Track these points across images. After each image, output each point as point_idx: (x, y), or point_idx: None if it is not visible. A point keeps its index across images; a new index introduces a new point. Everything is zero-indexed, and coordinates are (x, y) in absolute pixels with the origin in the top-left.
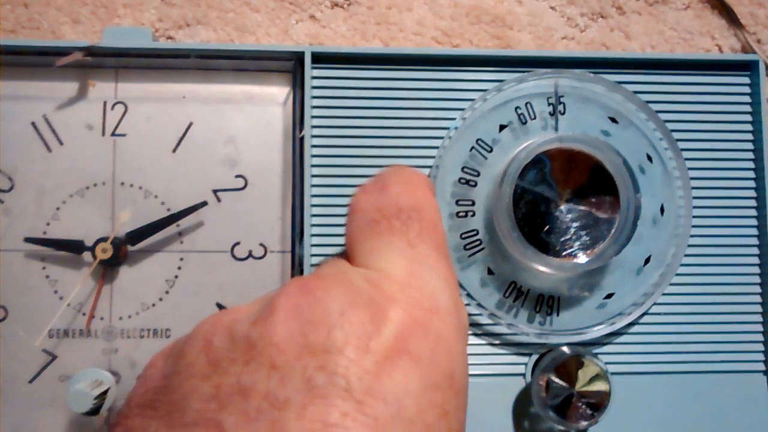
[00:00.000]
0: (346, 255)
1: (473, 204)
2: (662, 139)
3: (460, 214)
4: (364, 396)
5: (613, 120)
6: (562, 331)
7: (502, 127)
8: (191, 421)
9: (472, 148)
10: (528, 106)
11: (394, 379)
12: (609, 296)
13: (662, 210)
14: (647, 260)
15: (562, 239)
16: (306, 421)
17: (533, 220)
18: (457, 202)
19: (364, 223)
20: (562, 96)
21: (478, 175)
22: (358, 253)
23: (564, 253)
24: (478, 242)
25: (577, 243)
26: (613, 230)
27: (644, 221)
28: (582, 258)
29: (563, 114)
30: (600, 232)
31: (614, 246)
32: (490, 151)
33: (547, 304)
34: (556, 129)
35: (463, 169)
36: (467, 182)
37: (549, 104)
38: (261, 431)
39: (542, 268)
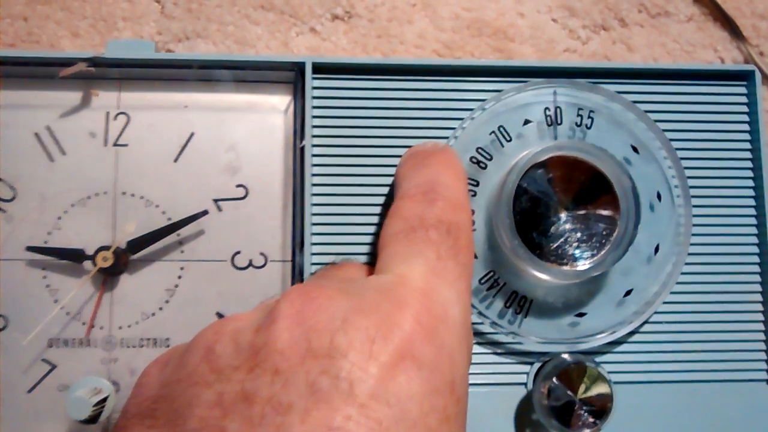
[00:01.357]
0: (352, 261)
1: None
2: (672, 169)
3: None
4: (367, 399)
5: (635, 150)
6: (559, 341)
7: (527, 122)
8: (194, 428)
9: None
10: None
11: (397, 383)
12: (581, 315)
13: (656, 250)
14: (628, 293)
15: (562, 247)
16: (310, 425)
17: (533, 228)
18: None
19: (401, 229)
20: (593, 111)
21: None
22: (386, 254)
23: (562, 260)
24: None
25: (577, 251)
26: (612, 238)
27: (638, 257)
28: (582, 266)
29: (589, 129)
30: (600, 240)
31: (614, 254)
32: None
33: (518, 303)
34: (554, 138)
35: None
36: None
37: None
38: None
39: (541, 276)
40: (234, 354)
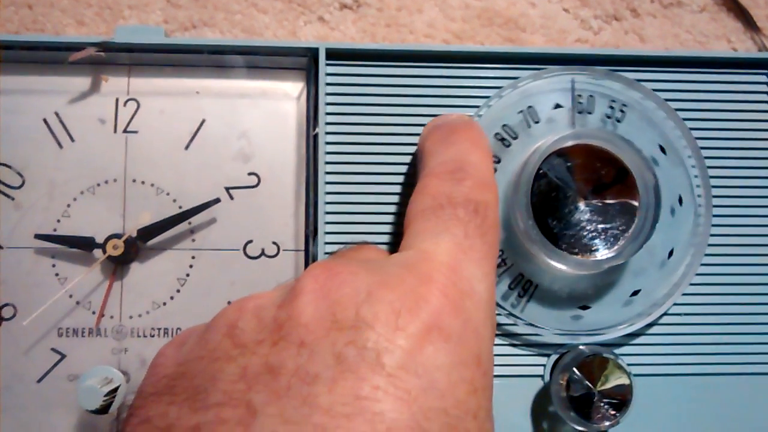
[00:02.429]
0: (367, 243)
1: None
2: (697, 177)
3: None
4: (395, 369)
5: (663, 150)
6: (579, 332)
7: (558, 106)
8: (217, 401)
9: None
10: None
11: (424, 354)
12: (585, 308)
13: (670, 254)
14: (636, 293)
15: (576, 235)
16: (337, 394)
17: (549, 213)
18: None
19: (428, 206)
20: (626, 105)
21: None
22: (412, 231)
23: (575, 249)
24: None
25: (591, 242)
26: (628, 234)
27: (652, 259)
28: (596, 256)
29: (620, 122)
30: (614, 235)
31: (629, 248)
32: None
33: (523, 287)
34: (572, 126)
35: None
36: None
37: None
38: (291, 407)
39: (551, 262)
40: (257, 329)
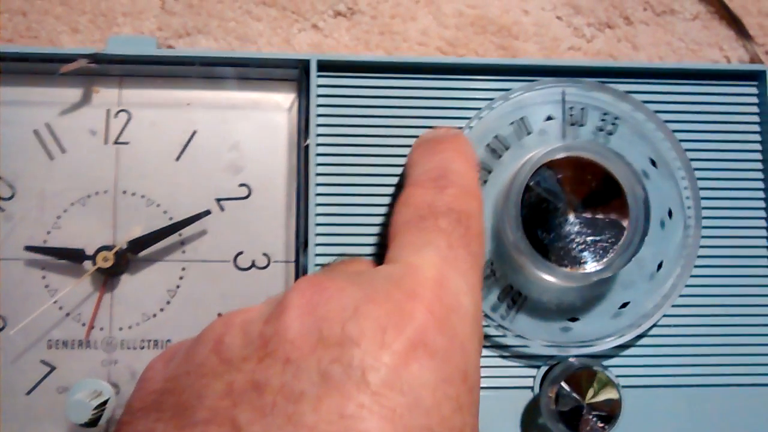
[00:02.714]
0: (358, 257)
1: None
2: (689, 198)
3: None
4: (380, 387)
5: (653, 163)
6: (570, 344)
7: (549, 118)
8: (203, 419)
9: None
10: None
11: (410, 371)
12: (573, 320)
13: (659, 266)
14: (625, 305)
15: (565, 248)
16: (322, 413)
17: (539, 225)
18: None
19: (411, 217)
20: (618, 119)
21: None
22: (396, 244)
23: (564, 261)
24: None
25: (580, 254)
26: (617, 246)
27: (641, 272)
28: (585, 269)
29: (611, 135)
30: (603, 247)
31: (618, 261)
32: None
33: (512, 298)
34: (575, 138)
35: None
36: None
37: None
38: (276, 425)
39: (540, 274)
40: (243, 345)
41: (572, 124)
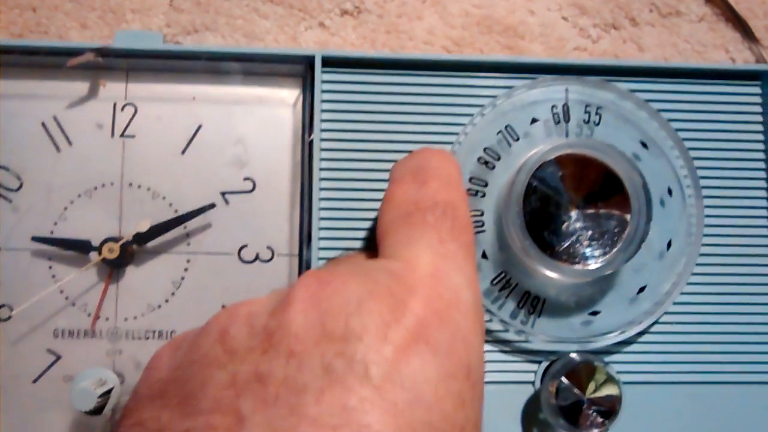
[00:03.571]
0: (363, 251)
1: (482, 214)
2: (684, 168)
3: None
4: (382, 382)
5: (644, 145)
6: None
7: (534, 120)
8: (207, 408)
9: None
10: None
11: (412, 366)
12: (594, 313)
13: (669, 245)
14: (641, 289)
15: (573, 245)
16: (324, 405)
17: (544, 227)
18: None
19: (397, 215)
20: (600, 108)
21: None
22: (387, 244)
23: (573, 258)
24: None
25: (589, 249)
26: (624, 235)
27: (651, 253)
28: (595, 264)
29: (597, 125)
30: (611, 237)
31: (626, 251)
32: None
33: (531, 303)
34: (563, 136)
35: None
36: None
37: (586, 112)
38: (279, 416)
39: (553, 275)
40: (248, 336)
41: (558, 122)
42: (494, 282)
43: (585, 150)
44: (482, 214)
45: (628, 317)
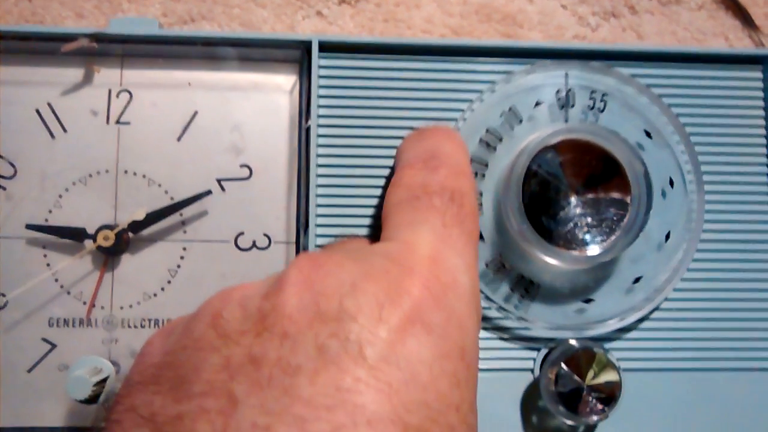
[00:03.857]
0: (360, 237)
1: (481, 195)
2: (685, 154)
3: None
4: (377, 362)
5: (648, 135)
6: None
7: (538, 104)
8: (200, 392)
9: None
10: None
11: (407, 346)
12: (588, 301)
13: (667, 237)
14: (637, 280)
15: (571, 231)
16: (319, 386)
17: (542, 212)
18: None
19: (404, 197)
20: (606, 94)
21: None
22: (390, 225)
23: (571, 244)
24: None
25: (587, 236)
26: (623, 223)
27: (649, 244)
28: (593, 250)
29: (602, 112)
30: (610, 225)
31: (625, 239)
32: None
33: (525, 288)
34: (566, 120)
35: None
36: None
37: (590, 98)
38: (272, 397)
39: (549, 260)
40: (242, 319)
41: (562, 107)
42: (489, 264)
43: (587, 135)
44: (481, 195)
45: (622, 306)
